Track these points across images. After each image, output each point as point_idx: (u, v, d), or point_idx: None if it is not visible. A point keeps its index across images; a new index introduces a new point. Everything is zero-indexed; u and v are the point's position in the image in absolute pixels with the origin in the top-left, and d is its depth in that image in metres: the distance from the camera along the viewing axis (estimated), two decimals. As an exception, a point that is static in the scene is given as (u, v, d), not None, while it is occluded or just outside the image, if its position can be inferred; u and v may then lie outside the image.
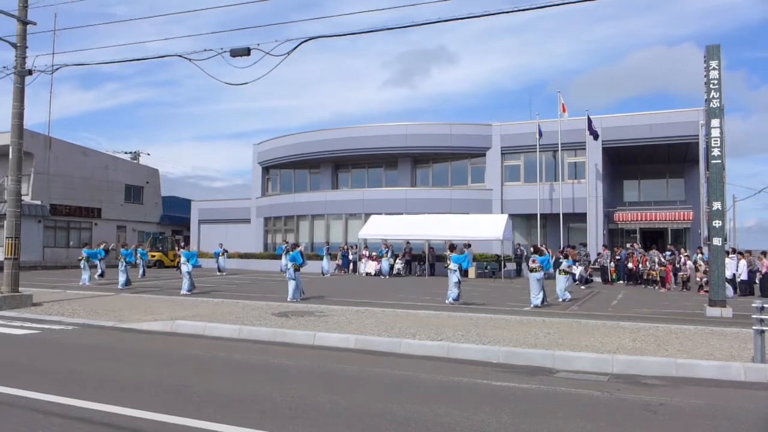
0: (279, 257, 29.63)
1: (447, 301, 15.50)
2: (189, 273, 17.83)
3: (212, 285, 21.09)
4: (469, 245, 25.95)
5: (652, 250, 22.86)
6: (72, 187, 37.01)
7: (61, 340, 10.17)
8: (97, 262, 22.52)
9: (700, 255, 20.92)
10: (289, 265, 15.80)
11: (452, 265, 15.47)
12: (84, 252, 22.33)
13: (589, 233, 28.29)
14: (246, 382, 7.01)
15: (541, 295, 15.14)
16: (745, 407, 6.32)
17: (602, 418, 5.72)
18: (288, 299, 15.56)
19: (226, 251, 30.87)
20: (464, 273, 26.22)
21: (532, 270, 15.49)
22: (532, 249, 16.60)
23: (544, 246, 18.64)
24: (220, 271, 29.14)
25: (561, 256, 18.26)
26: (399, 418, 5.56)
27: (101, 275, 22.61)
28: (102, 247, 23.65)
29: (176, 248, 32.60)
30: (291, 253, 16.15)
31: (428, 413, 5.71)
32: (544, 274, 15.52)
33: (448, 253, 16.85)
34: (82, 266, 21.68)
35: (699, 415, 5.86)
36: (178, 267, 28.12)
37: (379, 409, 5.87)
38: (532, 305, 15.00)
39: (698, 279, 20.14)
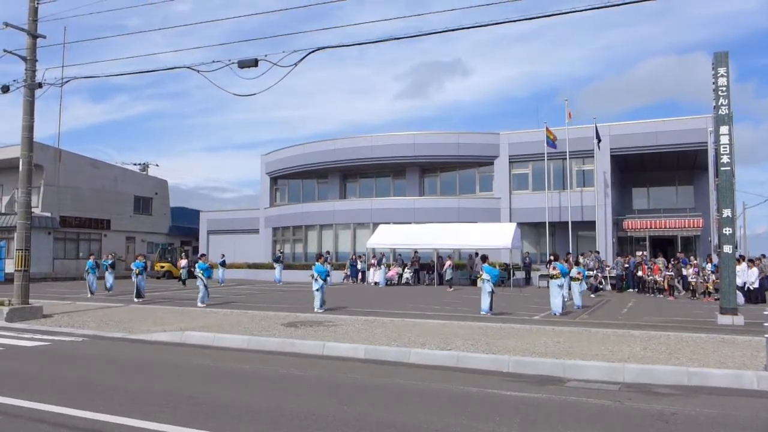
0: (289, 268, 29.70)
1: (481, 313, 15.11)
2: (205, 284, 17.75)
3: (221, 296, 21.11)
4: (477, 254, 25.84)
5: (660, 258, 22.71)
6: (81, 199, 37.26)
7: (71, 352, 10.21)
8: (94, 273, 22.46)
9: (708, 264, 20.79)
10: (315, 275, 15.91)
11: (485, 275, 15.38)
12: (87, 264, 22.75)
13: (599, 241, 28.14)
14: (255, 393, 7.01)
15: (560, 302, 15.15)
16: (759, 416, 6.25)
17: (614, 428, 5.67)
18: (315, 309, 15.59)
19: (225, 262, 30.70)
20: (473, 282, 26.41)
21: (552, 277, 15.45)
22: (552, 257, 16.55)
23: (553, 257, 18.54)
24: (220, 282, 29.03)
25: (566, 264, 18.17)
26: (408, 427, 5.54)
27: (109, 289, 22.50)
28: (110, 258, 23.74)
29: (180, 259, 32.70)
30: (317, 264, 16.24)
31: (438, 423, 5.67)
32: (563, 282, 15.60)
33: (479, 263, 16.76)
34: (89, 279, 21.93)
35: (712, 425, 5.79)
36: (186, 277, 28.38)
37: (389, 418, 5.85)
38: (552, 312, 15.10)
39: (707, 286, 20.01)
